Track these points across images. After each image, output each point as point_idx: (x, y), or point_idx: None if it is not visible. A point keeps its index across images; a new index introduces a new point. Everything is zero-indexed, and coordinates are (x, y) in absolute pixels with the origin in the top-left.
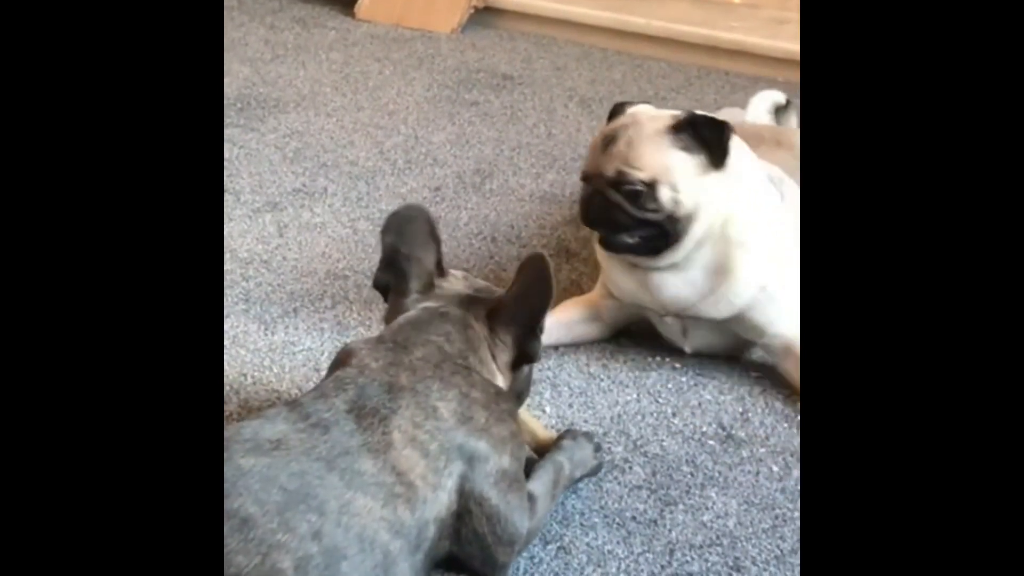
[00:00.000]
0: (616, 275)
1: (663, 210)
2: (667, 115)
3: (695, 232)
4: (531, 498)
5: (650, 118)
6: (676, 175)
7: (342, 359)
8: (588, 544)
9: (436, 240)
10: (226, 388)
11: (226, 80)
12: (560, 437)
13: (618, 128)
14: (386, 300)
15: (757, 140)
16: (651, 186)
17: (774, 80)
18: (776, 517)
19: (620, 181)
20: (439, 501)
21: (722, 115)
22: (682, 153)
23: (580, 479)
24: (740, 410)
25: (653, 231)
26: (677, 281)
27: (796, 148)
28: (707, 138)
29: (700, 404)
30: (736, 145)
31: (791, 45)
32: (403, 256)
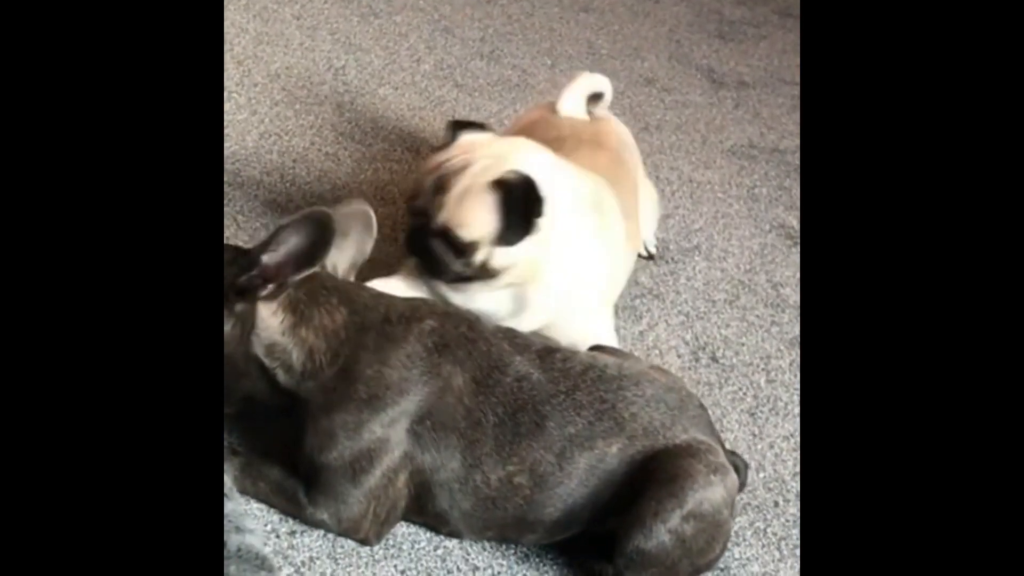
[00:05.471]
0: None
1: (475, 266)
2: (493, 169)
3: (504, 279)
4: None
5: (480, 169)
6: (495, 240)
7: None
8: None
9: None
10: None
11: None
12: None
13: (451, 172)
14: None
15: (576, 142)
16: (473, 245)
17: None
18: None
19: (446, 233)
20: None
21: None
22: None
23: None
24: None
25: (465, 276)
26: (485, 300)
27: (615, 149)
28: (511, 215)
29: None
30: (554, 199)
31: None
32: None
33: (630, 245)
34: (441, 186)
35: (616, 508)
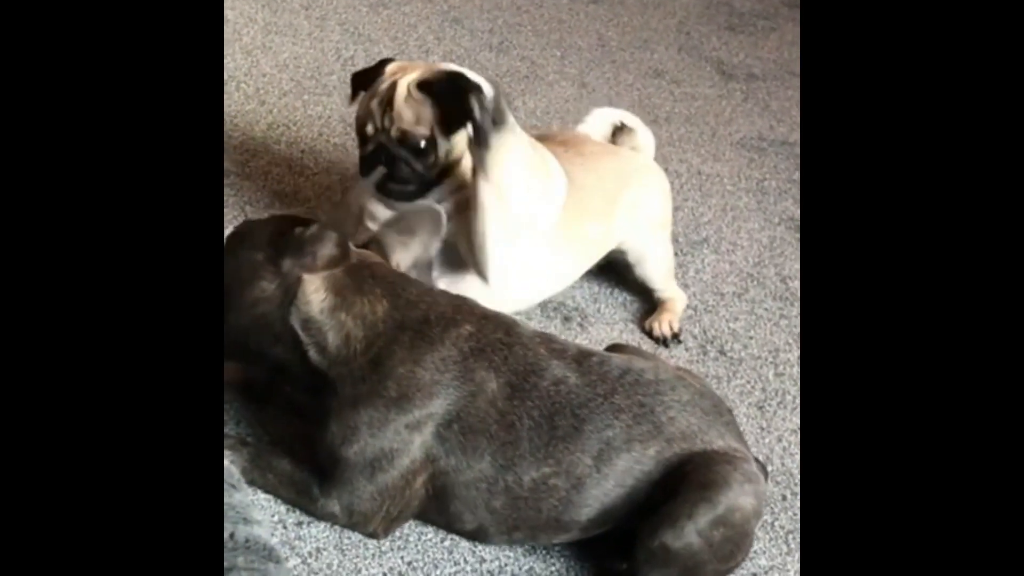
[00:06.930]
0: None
1: (439, 162)
2: (426, 70)
3: (458, 176)
4: None
5: (415, 77)
6: (444, 130)
7: None
8: None
9: None
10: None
11: None
12: None
13: (387, 89)
14: None
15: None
16: (432, 141)
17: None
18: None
19: (404, 139)
20: None
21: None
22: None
23: None
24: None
25: (429, 179)
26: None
27: (574, 144)
28: (446, 101)
29: None
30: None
31: None
32: None
33: (577, 219)
34: (387, 103)
35: (648, 508)
